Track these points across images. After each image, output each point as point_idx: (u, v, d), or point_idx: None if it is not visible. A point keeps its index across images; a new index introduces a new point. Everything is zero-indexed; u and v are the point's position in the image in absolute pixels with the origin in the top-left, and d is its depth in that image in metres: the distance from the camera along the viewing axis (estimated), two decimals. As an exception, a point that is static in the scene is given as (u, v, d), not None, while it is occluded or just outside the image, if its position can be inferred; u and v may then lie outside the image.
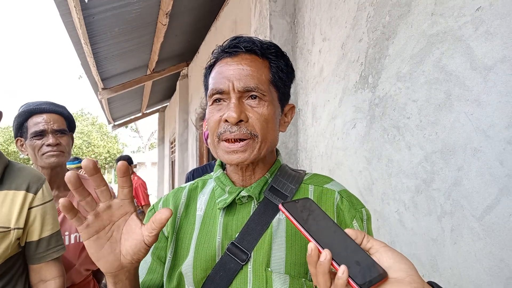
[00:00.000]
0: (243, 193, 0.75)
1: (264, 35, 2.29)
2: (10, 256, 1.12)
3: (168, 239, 0.79)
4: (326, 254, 0.47)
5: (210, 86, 0.75)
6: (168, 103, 9.96)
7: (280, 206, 0.54)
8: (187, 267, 0.74)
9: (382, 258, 0.49)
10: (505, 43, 0.98)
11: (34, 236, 1.17)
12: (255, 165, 0.77)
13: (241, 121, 0.70)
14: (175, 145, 7.59)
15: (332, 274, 0.48)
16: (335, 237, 0.51)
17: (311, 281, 0.68)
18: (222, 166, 0.84)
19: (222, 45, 0.77)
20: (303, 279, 0.68)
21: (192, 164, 6.14)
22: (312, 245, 0.49)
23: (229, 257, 0.71)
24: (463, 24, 1.11)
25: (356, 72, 1.67)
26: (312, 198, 0.75)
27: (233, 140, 0.71)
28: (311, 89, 2.11)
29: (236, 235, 0.73)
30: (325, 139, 1.94)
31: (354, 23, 1.68)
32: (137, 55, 4.88)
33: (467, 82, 1.09)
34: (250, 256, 0.70)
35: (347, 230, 0.52)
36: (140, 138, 23.60)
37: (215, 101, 0.74)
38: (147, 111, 9.94)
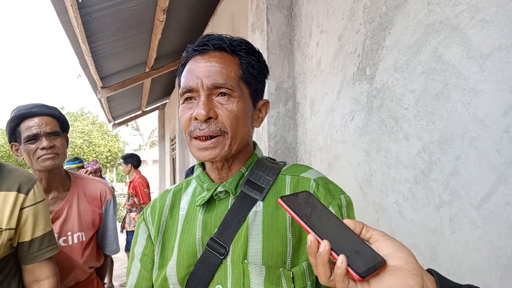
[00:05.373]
0: (219, 189, 0.77)
1: (261, 29, 2.28)
2: (2, 257, 1.12)
3: (155, 243, 0.81)
4: (325, 244, 0.48)
5: (181, 85, 0.76)
6: (167, 100, 9.95)
7: (279, 200, 0.55)
8: (171, 267, 0.76)
9: (382, 247, 0.49)
10: (501, 30, 0.97)
11: (27, 237, 1.17)
12: (230, 161, 0.78)
13: (210, 118, 0.71)
14: (175, 142, 7.60)
15: (332, 264, 0.49)
16: (334, 228, 0.52)
17: (290, 270, 0.69)
18: (203, 165, 0.85)
19: (194, 43, 0.78)
20: (281, 269, 0.69)
21: (193, 161, 6.15)
22: (311, 237, 0.50)
23: (209, 252, 0.73)
24: (459, 13, 1.10)
25: (353, 64, 1.67)
26: (288, 188, 0.76)
27: (203, 138, 0.72)
28: (309, 83, 2.11)
29: (215, 230, 0.74)
30: (324, 132, 1.94)
31: (351, 15, 1.68)
32: (135, 52, 4.86)
33: (464, 71, 1.09)
34: (228, 250, 0.72)
35: (345, 221, 0.53)
36: (141, 136, 23.58)
37: (186, 99, 0.75)
38: (147, 109, 9.94)
